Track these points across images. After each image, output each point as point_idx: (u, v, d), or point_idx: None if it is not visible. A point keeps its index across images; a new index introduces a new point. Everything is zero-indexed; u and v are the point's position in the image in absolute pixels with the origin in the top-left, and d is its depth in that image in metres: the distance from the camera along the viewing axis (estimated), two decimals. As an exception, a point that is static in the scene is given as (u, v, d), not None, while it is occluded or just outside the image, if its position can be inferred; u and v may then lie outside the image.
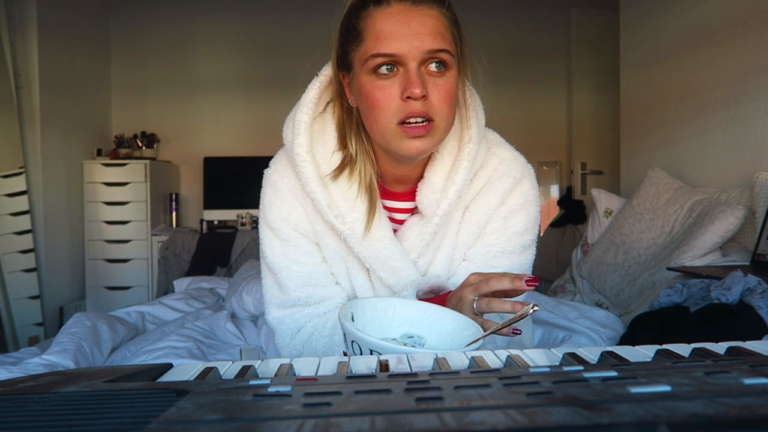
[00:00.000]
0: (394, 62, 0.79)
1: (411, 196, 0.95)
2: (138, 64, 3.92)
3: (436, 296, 0.92)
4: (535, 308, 0.68)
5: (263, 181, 0.96)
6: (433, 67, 0.79)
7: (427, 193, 0.90)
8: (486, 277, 0.78)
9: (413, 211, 0.96)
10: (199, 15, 3.94)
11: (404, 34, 0.77)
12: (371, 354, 0.60)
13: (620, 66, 2.92)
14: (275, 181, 0.94)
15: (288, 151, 0.91)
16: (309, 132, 0.89)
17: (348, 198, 0.89)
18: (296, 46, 3.87)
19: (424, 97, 0.78)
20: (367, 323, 0.71)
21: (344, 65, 0.86)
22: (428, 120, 0.80)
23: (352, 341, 0.62)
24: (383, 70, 0.79)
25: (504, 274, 0.76)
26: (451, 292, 0.85)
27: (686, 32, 2.35)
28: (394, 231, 0.93)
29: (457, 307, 0.77)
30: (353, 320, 0.69)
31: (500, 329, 0.68)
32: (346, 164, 0.89)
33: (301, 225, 0.93)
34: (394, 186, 0.95)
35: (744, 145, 2.02)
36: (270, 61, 3.93)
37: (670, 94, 2.47)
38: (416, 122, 0.79)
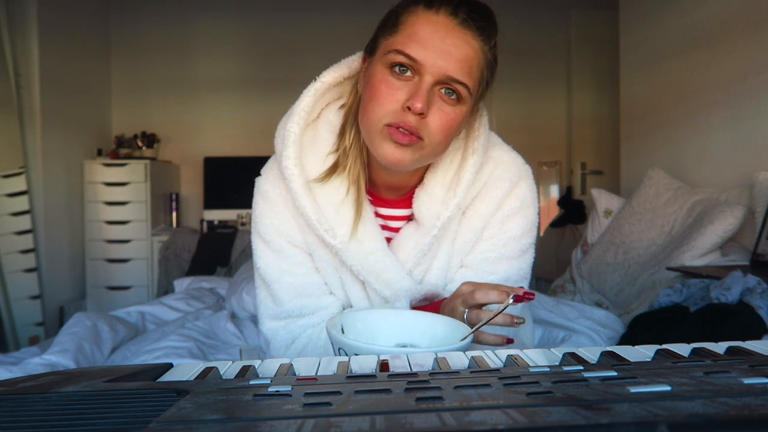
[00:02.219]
0: (412, 67, 0.76)
1: (406, 202, 0.92)
2: (138, 64, 3.92)
3: (431, 303, 0.91)
4: (511, 302, 0.68)
5: (255, 189, 0.94)
6: (447, 92, 0.77)
7: (426, 201, 0.88)
8: (476, 287, 0.76)
9: (408, 218, 0.93)
10: (199, 15, 3.94)
11: (435, 46, 0.75)
12: None
13: (620, 66, 2.92)
14: (266, 191, 0.92)
15: (278, 160, 0.89)
16: (298, 143, 0.86)
17: (336, 202, 0.86)
18: (296, 46, 3.87)
19: (422, 114, 0.75)
20: (358, 335, 0.70)
21: (371, 48, 0.84)
22: (417, 137, 0.77)
23: (339, 348, 0.62)
24: (399, 69, 0.76)
25: (491, 288, 0.74)
26: (445, 299, 0.84)
27: (686, 32, 2.35)
28: (388, 240, 0.91)
29: (450, 316, 0.76)
30: (343, 332, 0.68)
31: (489, 321, 0.69)
32: (338, 165, 0.87)
33: (294, 236, 0.91)
34: (387, 193, 0.92)
35: (744, 145, 2.02)
36: (270, 61, 3.93)
37: (670, 94, 2.47)
38: (403, 132, 0.76)
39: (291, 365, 0.48)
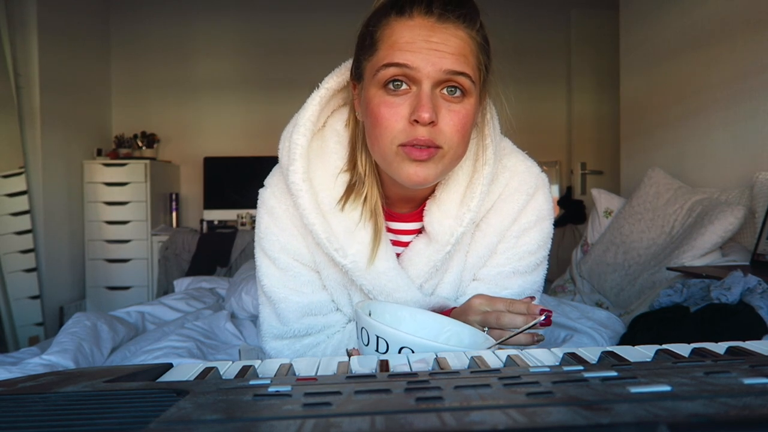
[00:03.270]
0: (407, 77, 0.72)
1: (417, 216, 0.88)
2: (138, 64, 3.92)
3: (442, 312, 0.88)
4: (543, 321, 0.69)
5: (259, 201, 0.89)
6: (449, 91, 0.73)
7: (439, 216, 0.84)
8: (493, 304, 0.74)
9: (418, 231, 0.89)
10: (199, 15, 3.94)
11: (422, 48, 0.71)
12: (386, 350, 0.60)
13: (620, 66, 2.92)
14: (272, 207, 0.87)
15: (284, 174, 0.84)
16: (306, 156, 0.82)
17: (350, 225, 0.82)
18: (296, 46, 3.87)
19: (433, 123, 0.71)
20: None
21: (356, 74, 0.80)
22: (435, 147, 0.73)
23: (362, 328, 0.62)
24: (393, 85, 0.72)
25: (517, 313, 0.71)
26: (453, 309, 0.82)
27: (686, 32, 2.35)
28: (397, 255, 0.87)
29: None
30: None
31: (516, 335, 0.69)
32: (353, 187, 0.83)
33: (301, 254, 0.87)
34: (400, 207, 0.89)
35: (744, 145, 2.02)
36: (270, 61, 3.93)
37: (670, 94, 2.47)
38: (420, 148, 0.72)
39: (291, 365, 0.48)
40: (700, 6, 2.25)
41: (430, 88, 0.71)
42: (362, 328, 0.63)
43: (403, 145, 0.73)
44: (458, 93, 0.73)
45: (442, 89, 0.73)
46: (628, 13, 2.84)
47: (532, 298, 0.78)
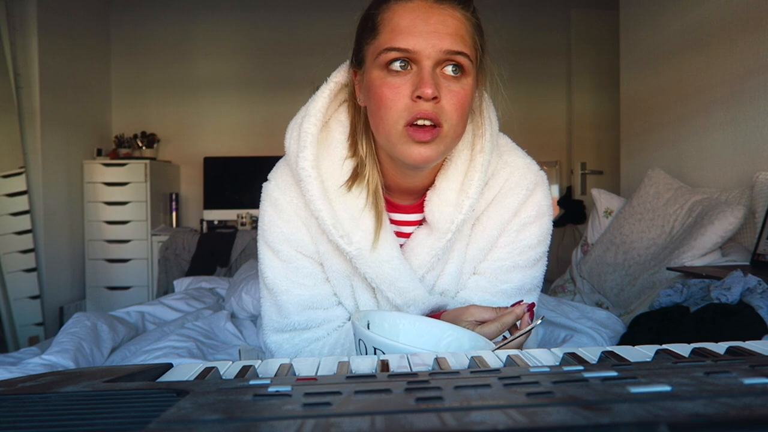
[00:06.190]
0: (408, 59, 0.74)
1: (419, 208, 0.90)
2: (138, 64, 3.92)
3: (435, 314, 0.88)
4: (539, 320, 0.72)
5: (262, 195, 0.90)
6: (449, 70, 0.75)
7: (439, 205, 0.86)
8: (483, 313, 0.77)
9: (420, 222, 0.91)
10: (199, 15, 3.94)
11: (422, 30, 0.73)
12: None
13: (620, 66, 2.92)
14: (276, 199, 0.88)
15: (291, 164, 0.86)
16: (316, 145, 0.84)
17: (354, 213, 0.84)
18: (296, 46, 3.87)
19: (436, 99, 0.73)
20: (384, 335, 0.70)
21: (357, 60, 0.83)
22: (436, 125, 0.75)
23: (360, 340, 0.62)
24: (396, 66, 0.75)
25: (523, 326, 0.76)
26: (444, 312, 0.83)
27: (686, 32, 2.35)
28: (401, 245, 0.88)
29: None
30: (369, 328, 0.68)
31: (518, 337, 0.71)
32: (358, 172, 0.85)
33: (305, 246, 0.88)
34: (401, 199, 0.91)
35: (744, 145, 2.02)
36: (270, 61, 3.93)
37: (670, 94, 2.47)
38: (424, 124, 0.75)
39: (291, 365, 0.48)
40: (700, 6, 2.25)
41: (431, 67, 0.74)
42: (359, 339, 0.62)
43: (408, 125, 0.75)
44: (458, 73, 0.76)
45: (443, 68, 0.75)
46: (628, 13, 2.84)
47: (519, 302, 0.79)
